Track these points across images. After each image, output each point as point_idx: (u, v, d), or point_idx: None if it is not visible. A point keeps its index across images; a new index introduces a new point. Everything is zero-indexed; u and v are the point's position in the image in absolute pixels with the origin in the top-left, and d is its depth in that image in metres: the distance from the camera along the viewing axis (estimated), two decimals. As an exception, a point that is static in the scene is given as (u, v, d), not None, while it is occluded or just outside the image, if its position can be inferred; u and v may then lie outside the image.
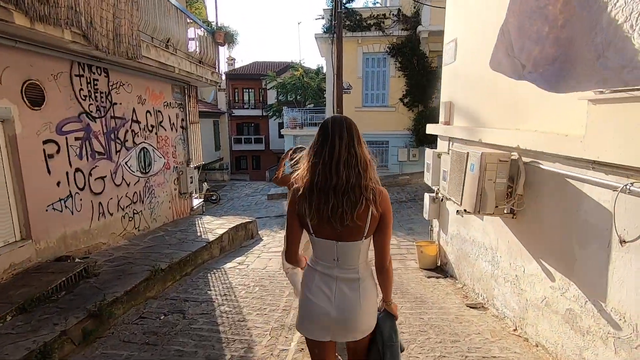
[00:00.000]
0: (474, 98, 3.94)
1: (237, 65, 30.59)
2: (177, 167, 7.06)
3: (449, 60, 4.76)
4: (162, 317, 3.40)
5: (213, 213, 12.77)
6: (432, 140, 12.68)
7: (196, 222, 6.91)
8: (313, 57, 58.55)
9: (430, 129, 5.28)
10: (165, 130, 6.57)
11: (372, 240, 1.53)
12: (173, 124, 6.88)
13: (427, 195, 5.15)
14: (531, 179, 2.80)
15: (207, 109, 20.65)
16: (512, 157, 2.89)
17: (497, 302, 3.38)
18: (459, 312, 3.51)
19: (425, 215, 5.22)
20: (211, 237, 5.85)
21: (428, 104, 13.04)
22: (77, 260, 3.93)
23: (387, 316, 1.67)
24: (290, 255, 1.64)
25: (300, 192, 1.48)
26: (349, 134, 1.43)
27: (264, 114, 25.26)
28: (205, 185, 14.21)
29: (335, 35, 12.76)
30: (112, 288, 3.48)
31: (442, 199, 4.38)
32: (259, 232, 8.55)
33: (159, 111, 6.32)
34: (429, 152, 4.93)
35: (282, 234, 8.37)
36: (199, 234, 6.12)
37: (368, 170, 1.45)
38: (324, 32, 13.62)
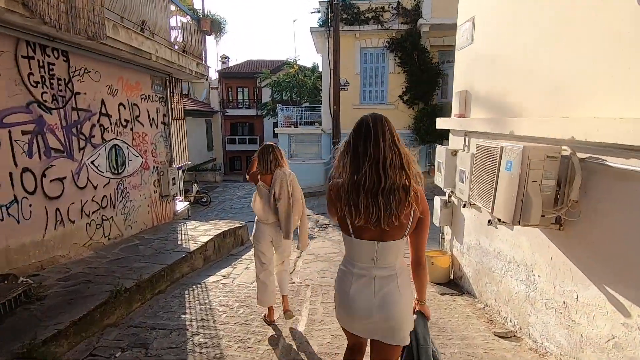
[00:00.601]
0: (500, 83, 3.30)
1: (230, 64, 29.90)
2: (157, 167, 6.36)
3: (464, 43, 4.13)
4: (118, 354, 2.71)
5: (203, 216, 12.08)
6: (433, 139, 12.06)
7: (179, 228, 6.22)
8: (309, 57, 57.90)
9: (441, 123, 4.64)
10: (143, 125, 5.88)
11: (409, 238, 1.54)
12: (153, 119, 6.19)
13: (437, 199, 4.51)
14: (589, 180, 2.17)
15: (198, 107, 19.94)
16: (563, 153, 2.26)
17: (535, 333, 2.73)
18: (487, 343, 2.87)
19: (436, 222, 4.57)
20: (193, 246, 5.17)
21: (429, 101, 12.43)
22: (21, 279, 3.24)
23: (420, 317, 1.65)
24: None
25: (341, 193, 1.44)
26: (390, 133, 1.41)
27: (259, 113, 24.54)
28: (194, 187, 13.51)
29: (331, 29, 12.13)
30: (56, 317, 2.80)
31: (464, 205, 3.69)
32: (250, 238, 7.89)
33: (135, 104, 5.63)
34: (441, 150, 4.29)
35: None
36: (179, 242, 5.43)
37: (410, 168, 1.42)
38: (320, 25, 13.00)
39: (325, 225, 8.88)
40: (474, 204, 3.09)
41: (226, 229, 6.49)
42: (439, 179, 4.41)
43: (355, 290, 1.49)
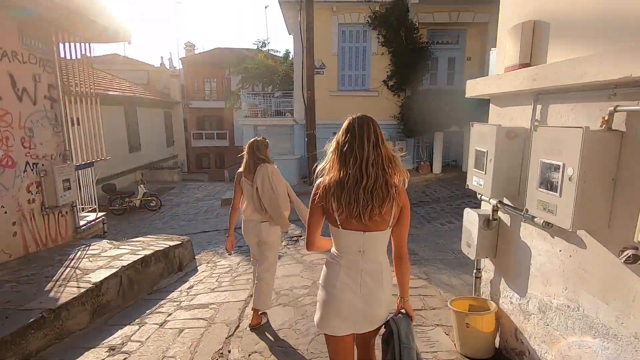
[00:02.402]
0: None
1: (197, 52, 27.29)
2: (36, 164, 4.21)
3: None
4: None
5: (148, 224, 9.85)
6: (424, 130, 10.35)
7: (70, 256, 4.12)
8: (281, 44, 55.07)
9: (479, 85, 2.77)
10: (1, 98, 3.72)
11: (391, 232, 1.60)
12: (24, 90, 4.03)
13: (472, 214, 2.68)
14: None
15: (154, 96, 17.44)
16: None
17: None
18: None
19: (469, 252, 2.74)
20: (69, 294, 3.14)
21: (417, 87, 10.68)
22: None
23: (403, 316, 1.63)
24: (311, 244, 1.67)
25: (328, 189, 1.52)
26: (374, 135, 1.49)
27: (228, 105, 22.20)
28: (141, 189, 11.22)
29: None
30: None
31: (556, 227, 1.57)
32: (196, 257, 5.87)
33: (-21, 62, 3.48)
34: (484, 131, 2.46)
35: (233, 259, 5.69)
36: (51, 285, 3.35)
37: (391, 167, 1.51)
38: (291, -5, 10.96)
39: (296, 238, 6.93)
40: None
41: (150, 252, 4.49)
42: (478, 181, 2.57)
43: (341, 282, 1.55)
